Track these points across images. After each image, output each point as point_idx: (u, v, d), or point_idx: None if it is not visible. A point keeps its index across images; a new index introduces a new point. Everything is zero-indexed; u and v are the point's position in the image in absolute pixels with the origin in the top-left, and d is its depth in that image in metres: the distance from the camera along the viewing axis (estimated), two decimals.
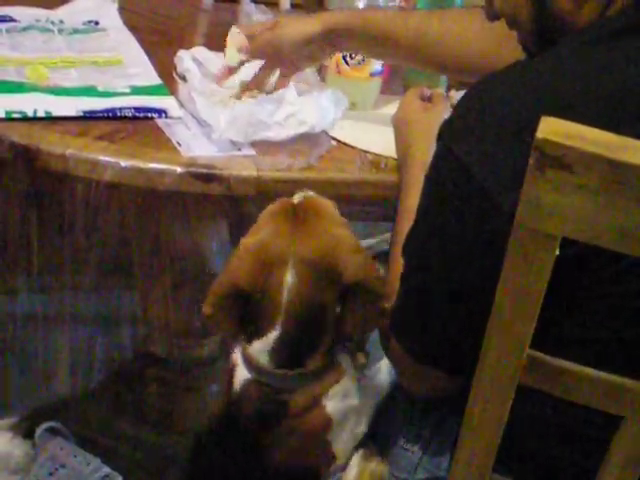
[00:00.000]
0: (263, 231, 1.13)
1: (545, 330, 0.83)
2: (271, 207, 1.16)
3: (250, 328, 1.12)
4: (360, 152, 1.42)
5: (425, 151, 1.30)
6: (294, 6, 2.34)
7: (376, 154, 1.41)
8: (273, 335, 1.09)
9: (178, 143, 1.32)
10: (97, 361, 2.03)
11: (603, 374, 0.82)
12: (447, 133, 0.95)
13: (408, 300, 1.03)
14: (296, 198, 1.16)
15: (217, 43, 1.81)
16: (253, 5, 1.84)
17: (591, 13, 0.97)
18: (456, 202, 0.92)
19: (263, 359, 1.11)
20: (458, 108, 0.97)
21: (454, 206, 0.93)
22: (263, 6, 1.85)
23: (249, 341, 1.13)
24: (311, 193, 1.19)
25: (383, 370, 1.24)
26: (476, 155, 0.89)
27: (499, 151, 0.87)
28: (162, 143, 1.33)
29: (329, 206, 1.16)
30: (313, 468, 1.18)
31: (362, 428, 1.20)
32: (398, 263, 1.14)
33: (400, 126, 1.38)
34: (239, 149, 1.33)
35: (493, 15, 1.09)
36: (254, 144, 1.35)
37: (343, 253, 1.09)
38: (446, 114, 1.37)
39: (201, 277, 1.75)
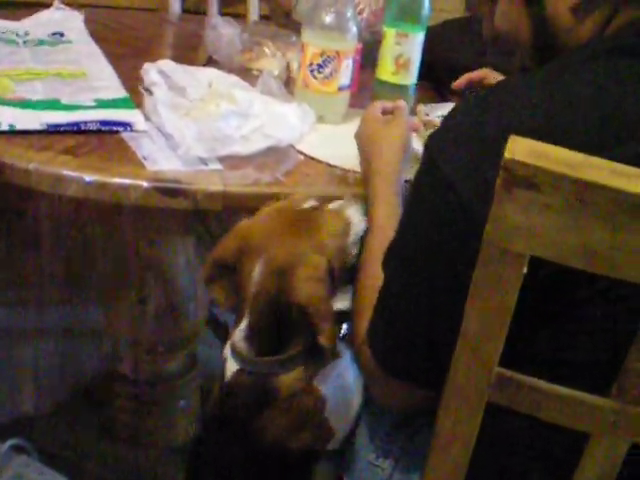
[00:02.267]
0: (259, 219, 1.17)
1: (516, 349, 0.83)
2: (280, 202, 1.20)
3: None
4: (328, 167, 1.41)
5: (388, 164, 1.30)
6: (262, 18, 2.35)
7: (343, 169, 1.41)
8: (245, 322, 1.13)
9: (144, 157, 1.30)
10: (63, 376, 2.01)
11: (572, 391, 0.82)
12: (433, 147, 0.95)
13: (386, 314, 1.03)
14: (308, 203, 1.19)
15: (184, 55, 1.82)
16: (220, 17, 1.84)
17: (590, 31, 0.98)
18: (438, 216, 0.92)
19: (244, 347, 1.14)
20: (445, 123, 0.97)
21: (436, 220, 0.93)
22: (230, 18, 1.84)
23: (233, 329, 1.16)
24: (334, 205, 1.22)
25: None
26: (460, 170, 0.89)
27: (482, 168, 0.87)
28: (127, 157, 1.31)
29: (328, 226, 1.16)
30: (311, 445, 1.20)
31: (358, 399, 1.24)
32: (368, 276, 1.14)
33: (362, 141, 1.38)
34: (206, 163, 1.32)
35: (492, 34, 1.10)
36: (221, 158, 1.34)
37: (300, 276, 1.10)
38: (407, 126, 1.37)
39: (167, 292, 1.74)
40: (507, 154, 0.71)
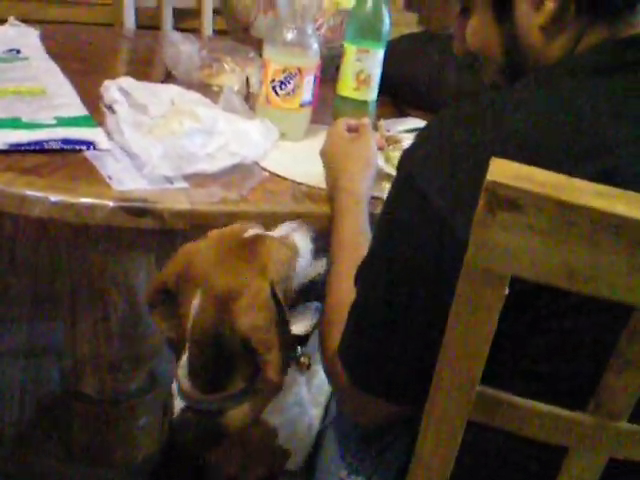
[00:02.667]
0: (201, 246, 1.14)
1: (494, 364, 0.84)
2: (224, 229, 1.16)
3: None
4: (293, 183, 1.41)
5: (354, 181, 1.30)
6: (216, 32, 2.35)
7: (309, 186, 1.41)
8: (185, 357, 1.10)
9: (109, 177, 1.29)
10: (24, 395, 1.97)
11: (551, 407, 0.83)
12: (408, 162, 0.96)
13: (360, 330, 1.02)
14: (249, 232, 1.15)
15: (141, 70, 1.81)
16: (178, 33, 1.83)
17: (560, 49, 1.00)
18: (414, 231, 0.93)
19: (187, 384, 1.11)
20: (420, 137, 0.98)
21: (412, 235, 0.93)
22: (190, 34, 1.84)
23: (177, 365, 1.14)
24: (279, 231, 1.20)
25: None
26: (436, 184, 0.90)
27: (458, 182, 0.88)
28: (92, 176, 1.30)
29: (271, 254, 1.13)
30: (267, 473, 1.20)
31: (316, 424, 1.24)
32: (339, 290, 1.14)
33: (327, 158, 1.39)
34: (171, 182, 1.32)
35: (464, 50, 1.12)
36: (186, 177, 1.33)
37: (243, 304, 1.06)
38: (373, 143, 1.38)
39: (129, 309, 1.72)
40: (489, 176, 0.71)
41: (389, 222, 1.00)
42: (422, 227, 0.92)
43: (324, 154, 1.40)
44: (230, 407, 1.12)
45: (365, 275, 1.04)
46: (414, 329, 0.96)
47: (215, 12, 2.34)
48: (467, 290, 0.78)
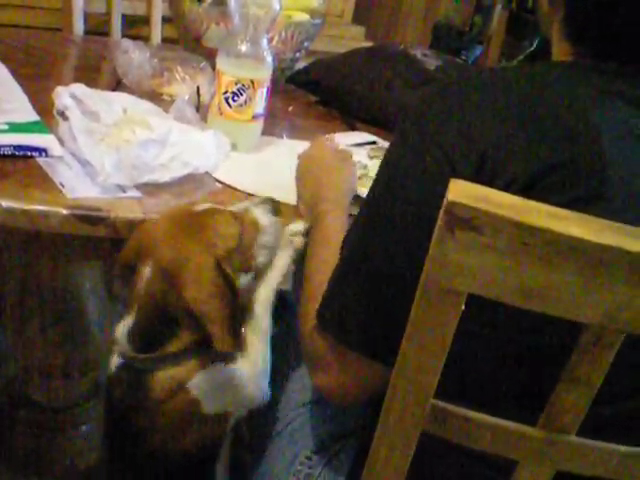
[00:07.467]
0: (156, 221, 1.21)
1: (448, 378, 0.86)
2: (178, 207, 1.25)
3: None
4: (245, 194, 1.42)
5: (337, 190, 1.32)
6: (165, 40, 2.35)
7: (260, 197, 1.41)
8: (129, 320, 1.17)
9: (61, 184, 1.29)
10: None
11: (502, 421, 0.85)
12: (418, 115, 1.00)
13: (343, 283, 1.04)
14: (202, 206, 1.21)
15: (90, 77, 1.80)
16: (129, 41, 1.83)
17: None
18: (427, 174, 0.96)
19: (124, 342, 1.17)
20: (434, 93, 1.03)
21: (424, 179, 0.96)
22: (141, 42, 1.84)
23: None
24: (238, 207, 1.25)
25: None
26: (451, 133, 0.95)
27: (473, 129, 0.94)
28: (44, 183, 1.29)
29: (218, 228, 1.18)
30: (200, 439, 1.22)
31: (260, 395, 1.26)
32: (322, 277, 1.12)
33: (312, 165, 1.40)
34: (124, 191, 1.32)
35: None
36: (139, 186, 1.34)
37: (189, 277, 1.13)
38: (355, 169, 1.42)
39: (72, 317, 1.71)
40: (449, 196, 0.74)
41: (391, 174, 1.02)
42: (434, 171, 0.95)
43: (309, 158, 1.42)
44: (158, 368, 1.16)
45: (356, 232, 1.06)
46: (402, 280, 0.96)
47: (165, 20, 2.34)
48: (424, 306, 0.80)
